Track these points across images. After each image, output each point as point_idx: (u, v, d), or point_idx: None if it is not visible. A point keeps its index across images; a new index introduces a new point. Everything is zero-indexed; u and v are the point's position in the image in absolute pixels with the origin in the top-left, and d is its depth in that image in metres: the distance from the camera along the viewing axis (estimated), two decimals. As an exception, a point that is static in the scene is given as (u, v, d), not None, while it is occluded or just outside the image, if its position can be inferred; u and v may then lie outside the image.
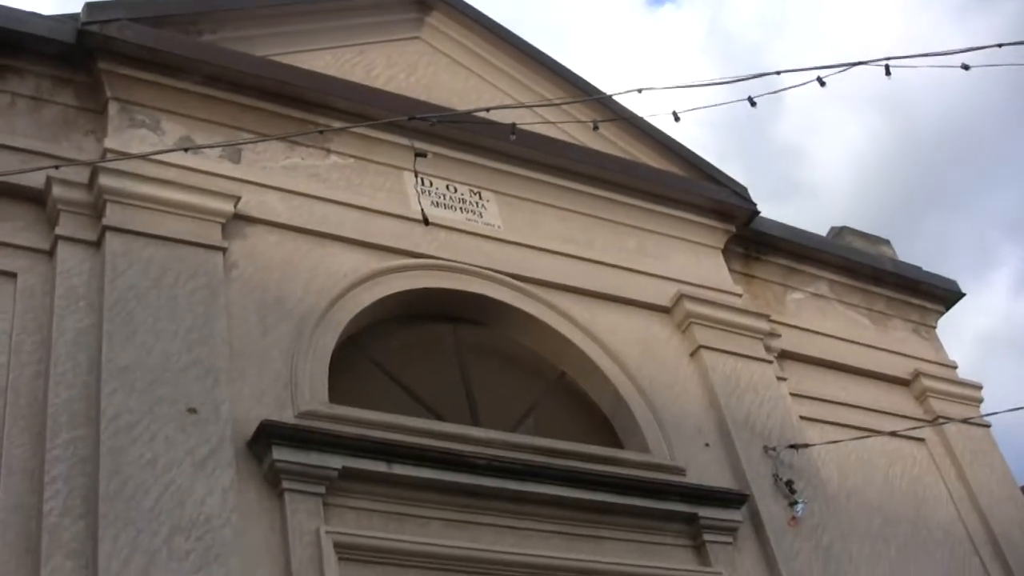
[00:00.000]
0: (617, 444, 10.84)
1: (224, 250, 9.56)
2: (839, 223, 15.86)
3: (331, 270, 10.15)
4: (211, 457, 8.17)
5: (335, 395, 9.35)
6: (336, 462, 8.52)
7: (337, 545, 8.22)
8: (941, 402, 14.04)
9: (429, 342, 10.81)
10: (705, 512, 10.19)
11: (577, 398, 11.25)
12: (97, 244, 9.10)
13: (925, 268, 15.54)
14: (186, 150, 9.35)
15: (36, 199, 9.23)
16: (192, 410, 8.36)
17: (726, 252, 13.40)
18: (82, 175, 9.32)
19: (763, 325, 12.61)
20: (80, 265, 8.95)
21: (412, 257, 10.75)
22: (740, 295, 12.90)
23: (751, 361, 12.14)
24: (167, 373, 8.49)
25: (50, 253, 9.02)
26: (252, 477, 8.40)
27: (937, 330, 15.42)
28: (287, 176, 10.57)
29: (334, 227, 10.44)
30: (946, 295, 15.59)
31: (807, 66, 8.31)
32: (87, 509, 7.65)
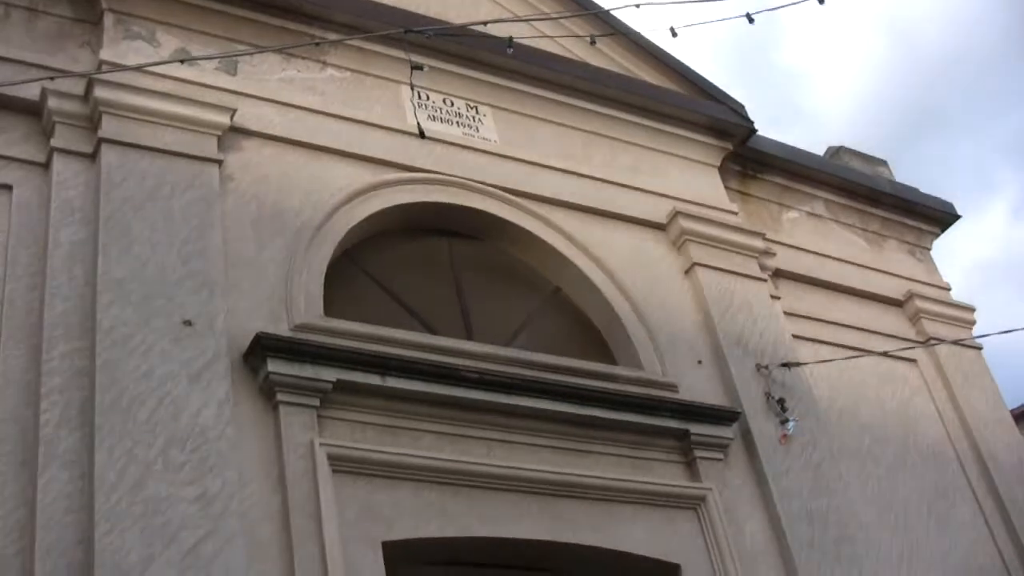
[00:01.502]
0: (610, 360, 10.90)
1: (220, 163, 9.53)
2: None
3: (327, 183, 10.14)
4: (206, 370, 8.21)
5: (330, 308, 9.39)
6: (330, 375, 8.56)
7: (331, 457, 8.29)
8: (934, 323, 14.10)
9: (424, 256, 10.84)
10: (696, 428, 10.26)
11: (571, 314, 11.29)
12: (93, 156, 9.07)
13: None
14: (182, 62, 9.32)
15: (31, 111, 9.17)
16: (187, 323, 8.38)
17: (723, 170, 13.38)
18: (78, 87, 9.27)
19: (758, 243, 12.63)
20: (76, 177, 8.92)
21: (408, 171, 10.74)
22: (736, 213, 12.89)
23: (745, 279, 12.17)
24: (162, 286, 8.50)
25: (45, 165, 8.99)
26: (247, 390, 8.44)
27: (932, 252, 15.45)
28: (283, 89, 10.52)
29: (330, 140, 10.42)
30: (942, 217, 15.62)
31: (808, -17, 8.28)
32: (83, 421, 7.69)
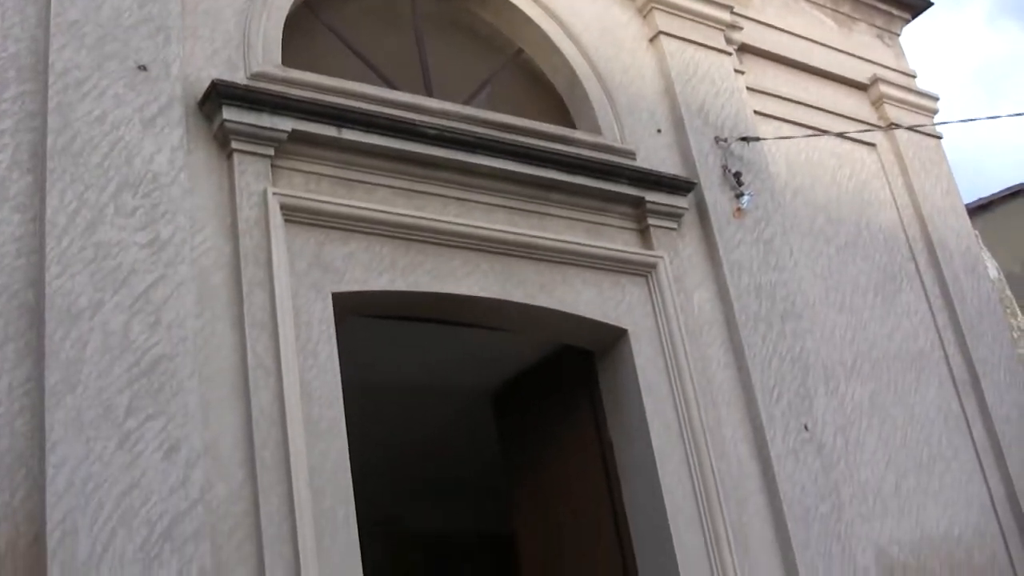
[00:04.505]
0: (570, 124, 10.86)
1: (179, -94, 9.24)
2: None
3: (289, -68, 9.88)
4: (160, 115, 8.07)
5: (288, 59, 9.23)
6: (286, 124, 8.44)
7: (284, 207, 8.25)
8: (896, 109, 14.09)
9: (386, 10, 10.64)
10: (652, 196, 10.28)
11: (533, 76, 11.19)
12: None
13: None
14: None
15: None
16: (142, 67, 8.20)
17: (694, -62, 13.11)
18: None
19: (725, 16, 12.45)
20: (27, -83, 8.61)
21: (372, -76, 10.49)
22: (705, -16, 12.68)
23: (710, 51, 12.06)
24: (117, 29, 8.28)
25: (-5, -95, 8.68)
26: (201, 137, 8.32)
27: (903, 43, 15.35)
28: None
29: None
30: (913, 3, 15.45)
31: None
32: (35, 164, 7.57)
